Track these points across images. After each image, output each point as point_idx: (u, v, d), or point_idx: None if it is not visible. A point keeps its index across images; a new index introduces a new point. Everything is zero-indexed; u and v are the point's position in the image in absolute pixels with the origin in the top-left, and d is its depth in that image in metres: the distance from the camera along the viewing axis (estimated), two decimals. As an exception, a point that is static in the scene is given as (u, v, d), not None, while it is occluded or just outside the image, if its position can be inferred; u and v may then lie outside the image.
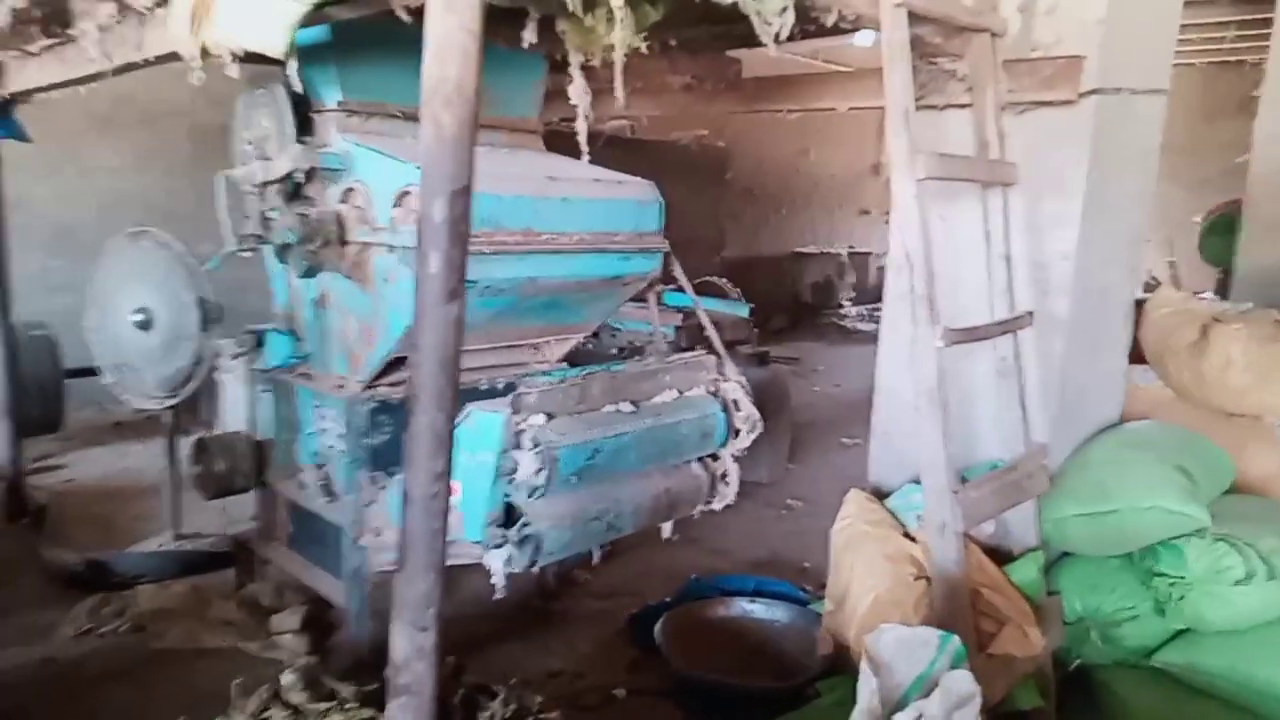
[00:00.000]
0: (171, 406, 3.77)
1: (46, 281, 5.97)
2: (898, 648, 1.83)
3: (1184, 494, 2.64)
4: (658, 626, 3.02)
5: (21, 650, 3.23)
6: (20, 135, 4.11)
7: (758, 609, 3.24)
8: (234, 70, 2.24)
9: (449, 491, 1.54)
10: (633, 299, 3.42)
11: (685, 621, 3.14)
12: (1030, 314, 2.78)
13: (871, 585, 2.66)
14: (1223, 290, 6.77)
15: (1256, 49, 10.76)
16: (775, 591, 3.48)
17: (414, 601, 1.55)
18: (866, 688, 1.68)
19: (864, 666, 1.74)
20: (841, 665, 2.73)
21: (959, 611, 2.45)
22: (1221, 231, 7.58)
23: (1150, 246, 9.86)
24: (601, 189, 2.83)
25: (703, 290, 6.06)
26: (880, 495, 3.12)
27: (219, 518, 3.89)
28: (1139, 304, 3.67)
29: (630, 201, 2.90)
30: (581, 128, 2.31)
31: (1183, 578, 2.64)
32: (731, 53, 3.84)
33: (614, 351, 4.90)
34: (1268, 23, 6.52)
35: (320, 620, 3.38)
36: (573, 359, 3.58)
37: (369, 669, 3.05)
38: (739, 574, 3.81)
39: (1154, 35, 3.02)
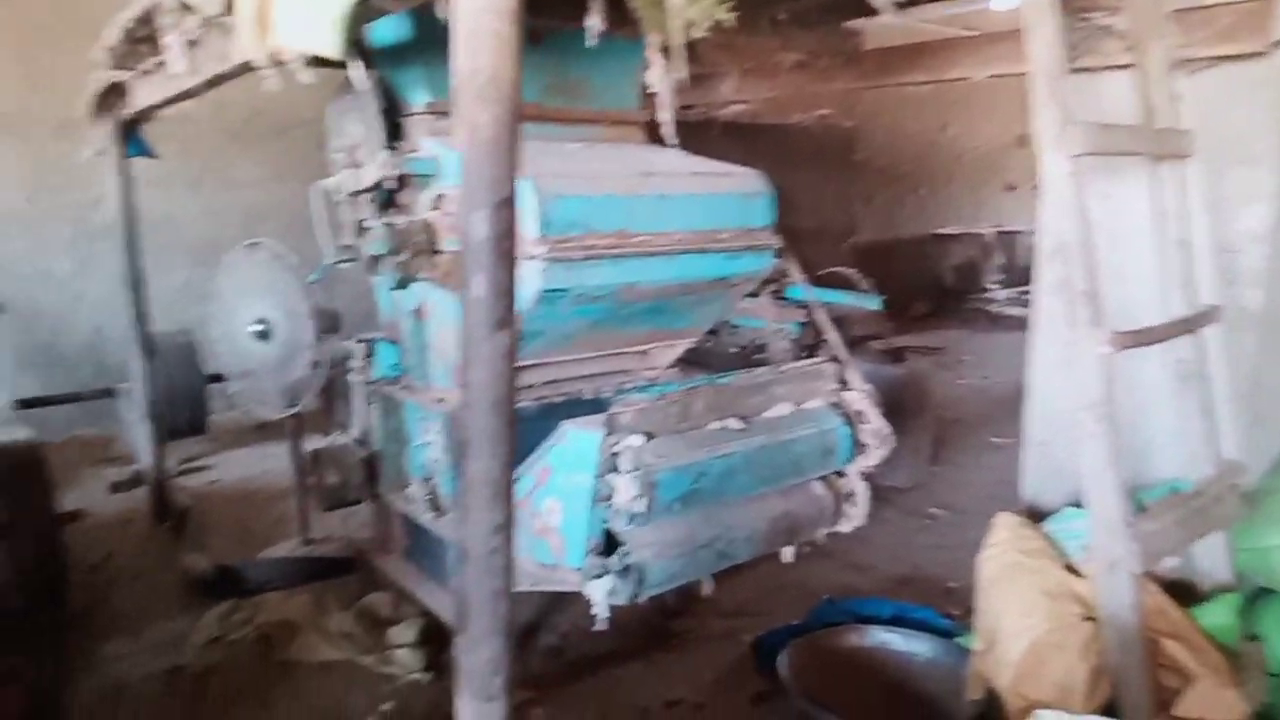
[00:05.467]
0: (294, 414, 3.79)
1: (191, 292, 6.25)
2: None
3: None
4: (781, 658, 2.74)
5: (153, 659, 3.31)
6: (148, 152, 4.24)
7: (896, 640, 2.91)
8: (307, 76, 2.15)
9: (509, 544, 1.34)
10: (750, 295, 3.16)
11: (814, 651, 2.83)
12: (1216, 308, 2.35)
13: (1028, 626, 2.30)
14: None
15: None
16: (916, 619, 3.14)
17: (478, 670, 1.37)
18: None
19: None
20: (993, 714, 2.40)
21: (1134, 665, 2.08)
22: None
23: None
24: (703, 183, 2.57)
25: (829, 282, 5.68)
26: (1036, 515, 2.73)
27: (346, 522, 3.89)
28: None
29: (735, 195, 2.62)
30: (666, 116, 2.09)
31: None
32: (852, 24, 3.49)
33: (733, 351, 4.62)
34: None
35: (438, 633, 3.31)
36: (691, 360, 3.34)
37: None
38: (876, 595, 3.47)
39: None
